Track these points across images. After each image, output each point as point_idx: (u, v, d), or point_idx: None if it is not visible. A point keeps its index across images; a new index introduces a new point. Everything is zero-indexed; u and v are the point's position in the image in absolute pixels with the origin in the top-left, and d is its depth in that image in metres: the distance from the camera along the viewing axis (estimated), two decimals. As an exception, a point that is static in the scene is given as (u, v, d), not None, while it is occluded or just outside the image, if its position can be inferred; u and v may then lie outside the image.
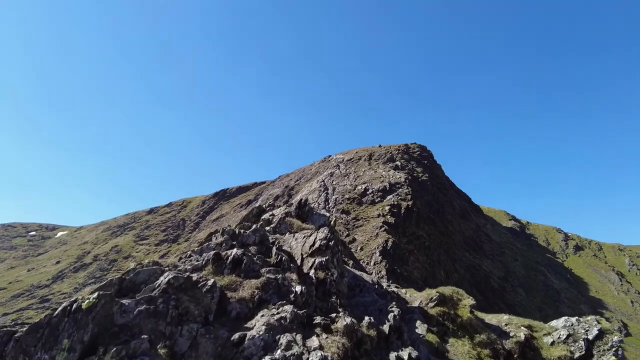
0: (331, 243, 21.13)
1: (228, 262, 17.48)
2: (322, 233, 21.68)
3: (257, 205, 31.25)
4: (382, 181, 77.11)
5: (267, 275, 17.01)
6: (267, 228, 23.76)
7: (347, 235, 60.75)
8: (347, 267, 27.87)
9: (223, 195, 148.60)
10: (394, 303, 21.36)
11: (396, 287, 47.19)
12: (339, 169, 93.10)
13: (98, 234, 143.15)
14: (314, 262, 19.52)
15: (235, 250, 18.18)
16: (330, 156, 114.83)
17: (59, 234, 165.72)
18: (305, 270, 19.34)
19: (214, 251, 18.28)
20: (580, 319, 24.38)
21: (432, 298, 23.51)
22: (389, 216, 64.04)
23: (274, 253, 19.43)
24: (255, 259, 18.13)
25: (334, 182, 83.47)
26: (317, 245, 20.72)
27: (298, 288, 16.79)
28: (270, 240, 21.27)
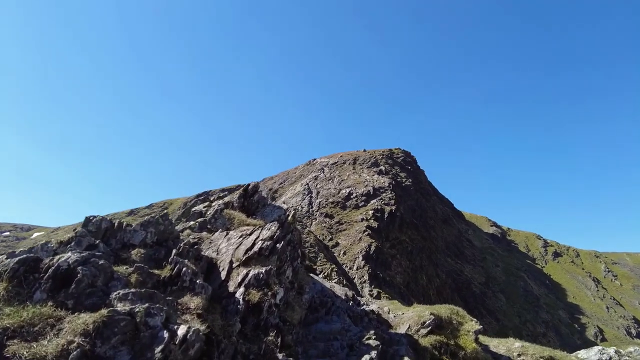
0: (279, 245, 15.25)
1: (46, 276, 9.49)
2: (268, 231, 15.57)
3: (200, 196, 26.17)
4: (366, 185, 77.16)
5: (119, 306, 9.08)
6: (191, 224, 18.05)
7: (331, 239, 60.40)
8: (313, 276, 21.23)
9: (206, 198, 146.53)
10: (371, 332, 15.44)
11: (379, 292, 47.00)
12: (323, 172, 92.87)
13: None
14: (247, 275, 13.14)
15: (67, 256, 10.13)
16: (314, 160, 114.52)
17: (35, 234, 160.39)
18: (230, 289, 12.83)
19: (31, 256, 9.99)
20: (621, 350, 19.37)
21: (424, 322, 17.65)
22: (372, 220, 64.00)
23: (171, 262, 12.53)
24: (108, 272, 10.48)
25: (318, 186, 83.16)
26: (256, 248, 14.55)
27: (182, 330, 8.95)
28: (182, 241, 14.71)
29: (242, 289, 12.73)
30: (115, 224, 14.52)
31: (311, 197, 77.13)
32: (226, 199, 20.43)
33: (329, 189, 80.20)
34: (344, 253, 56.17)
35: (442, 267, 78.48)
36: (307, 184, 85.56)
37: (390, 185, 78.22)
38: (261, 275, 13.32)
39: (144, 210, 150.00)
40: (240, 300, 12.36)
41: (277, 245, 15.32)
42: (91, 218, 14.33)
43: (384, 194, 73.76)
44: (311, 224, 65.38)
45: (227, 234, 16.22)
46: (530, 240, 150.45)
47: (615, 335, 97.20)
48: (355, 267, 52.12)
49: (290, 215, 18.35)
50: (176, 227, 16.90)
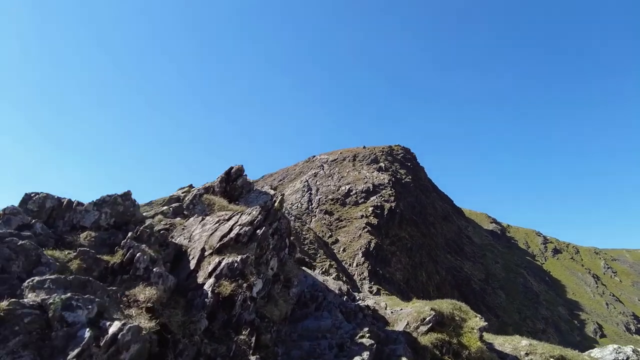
0: (260, 231, 13.31)
1: None
2: (248, 215, 13.65)
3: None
4: (366, 182, 77.03)
5: (30, 296, 7.25)
6: (164, 208, 16.11)
7: (330, 236, 60.34)
8: (306, 270, 19.41)
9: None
10: (365, 330, 13.83)
11: (378, 289, 46.95)
12: (323, 169, 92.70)
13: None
14: (219, 263, 11.28)
15: None
16: (314, 156, 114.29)
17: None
18: (200, 280, 11.05)
19: None
20: (639, 349, 17.78)
21: (424, 319, 16.13)
22: (372, 217, 63.91)
23: (124, 246, 10.77)
24: (32, 255, 8.68)
25: (318, 183, 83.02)
26: (232, 234, 12.68)
27: (114, 328, 7.10)
28: (148, 226, 12.31)
29: (212, 280, 10.73)
30: (64, 203, 12.29)
31: (311, 194, 77.01)
32: (207, 184, 18.45)
33: (328, 185, 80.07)
34: (344, 250, 56.12)
35: (441, 264, 78.47)
36: (307, 180, 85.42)
37: (390, 182, 78.12)
38: (235, 265, 11.20)
39: (143, 207, 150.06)
40: (209, 292, 10.32)
41: (258, 231, 13.27)
42: (32, 195, 11.89)
43: (383, 191, 73.66)
44: (311, 220, 65.31)
45: (203, 219, 14.21)
46: (530, 237, 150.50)
47: (615, 331, 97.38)
48: (355, 264, 52.07)
49: (277, 201, 16.29)
50: (146, 212, 15.30)
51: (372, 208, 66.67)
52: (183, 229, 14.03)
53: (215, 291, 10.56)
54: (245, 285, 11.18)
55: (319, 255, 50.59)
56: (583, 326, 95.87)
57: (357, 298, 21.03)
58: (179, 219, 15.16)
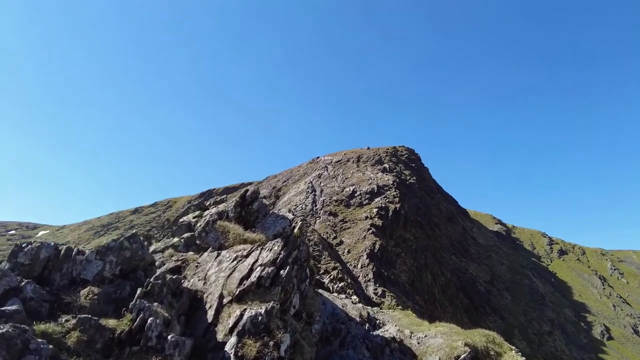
0: (284, 272, 11.92)
1: None
2: (269, 252, 12.30)
3: (204, 194, 21.06)
4: (370, 183, 76.80)
5: None
6: (175, 240, 14.82)
7: (335, 238, 60.16)
8: (322, 293, 18.52)
9: (209, 196, 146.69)
10: None
11: (383, 291, 46.65)
12: (327, 170, 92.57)
13: (81, 234, 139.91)
14: (241, 317, 9.97)
15: None
16: (318, 157, 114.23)
17: (40, 233, 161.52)
18: (219, 336, 9.85)
19: None
20: None
21: (458, 356, 14.83)
22: (376, 219, 63.66)
23: (132, 309, 9.19)
24: (16, 343, 6.99)
25: (322, 184, 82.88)
26: (253, 277, 11.37)
27: None
28: (155, 270, 11.51)
29: (233, 339, 9.36)
30: (62, 252, 10.32)
31: (315, 195, 76.89)
32: (220, 207, 16.61)
33: (332, 187, 79.92)
34: (348, 251, 55.92)
35: (446, 266, 78.07)
36: (311, 182, 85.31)
37: (395, 183, 77.84)
38: (260, 318, 9.83)
39: (148, 208, 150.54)
40: (232, 356, 8.97)
41: (281, 271, 11.81)
42: (24, 246, 10.01)
43: (388, 192, 73.40)
44: (315, 222, 65.16)
45: (219, 255, 12.68)
46: (536, 238, 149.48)
47: (622, 333, 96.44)
48: (359, 266, 51.85)
49: (297, 227, 15.16)
50: (156, 246, 13.81)
51: (376, 209, 66.42)
52: (197, 266, 12.53)
53: (239, 354, 9.13)
54: (271, 343, 9.67)
55: (323, 257, 50.43)
56: (590, 328, 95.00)
57: (378, 322, 20.07)
58: (191, 253, 13.84)
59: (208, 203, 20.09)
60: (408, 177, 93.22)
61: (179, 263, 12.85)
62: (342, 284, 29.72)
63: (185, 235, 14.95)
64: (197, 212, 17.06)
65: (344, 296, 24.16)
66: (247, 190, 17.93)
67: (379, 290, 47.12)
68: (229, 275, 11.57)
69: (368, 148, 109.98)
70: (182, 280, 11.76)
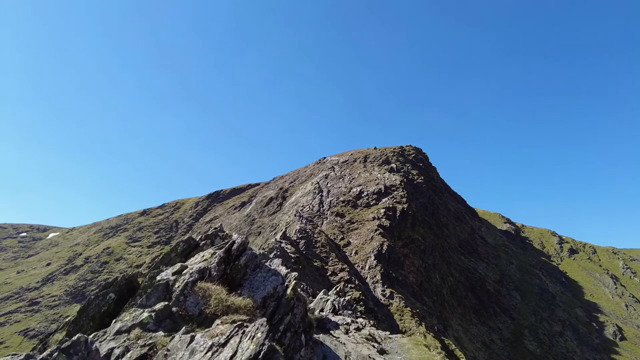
0: None
1: None
2: (250, 342, 9.89)
3: (184, 239, 17.11)
4: (377, 184, 76.39)
5: None
6: (144, 316, 11.73)
7: (342, 239, 59.89)
8: (322, 340, 17.24)
9: (216, 197, 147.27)
10: None
11: (391, 292, 46.23)
12: (333, 171, 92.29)
13: (90, 236, 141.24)
14: None
15: None
16: (325, 158, 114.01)
17: (50, 235, 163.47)
18: None
19: None
20: None
21: None
22: (384, 219, 63.27)
23: None
24: None
25: (329, 184, 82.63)
26: None
27: None
28: (121, 357, 10.37)
29: None
30: None
31: (322, 196, 76.66)
32: (201, 264, 13.89)
33: (339, 187, 79.64)
34: (356, 252, 55.61)
35: (455, 266, 77.42)
36: (318, 182, 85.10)
37: (402, 183, 77.34)
38: None
39: (156, 210, 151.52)
40: None
41: None
42: None
43: (395, 192, 72.94)
44: (322, 223, 64.94)
45: (192, 339, 10.36)
46: (545, 237, 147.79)
47: (636, 334, 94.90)
48: (367, 267, 51.53)
49: (291, 287, 13.67)
50: (122, 324, 11.42)
51: (383, 210, 66.02)
52: (166, 355, 10.24)
53: None
54: None
55: (330, 258, 50.22)
56: (602, 328, 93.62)
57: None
58: (161, 334, 11.14)
59: (199, 238, 17.40)
60: (415, 177, 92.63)
61: (145, 350, 10.45)
62: (348, 297, 28.56)
63: (158, 306, 12.04)
64: (178, 267, 14.11)
65: (349, 323, 21.31)
66: (232, 243, 14.92)
67: (387, 291, 46.79)
68: None
69: (375, 148, 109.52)
70: None
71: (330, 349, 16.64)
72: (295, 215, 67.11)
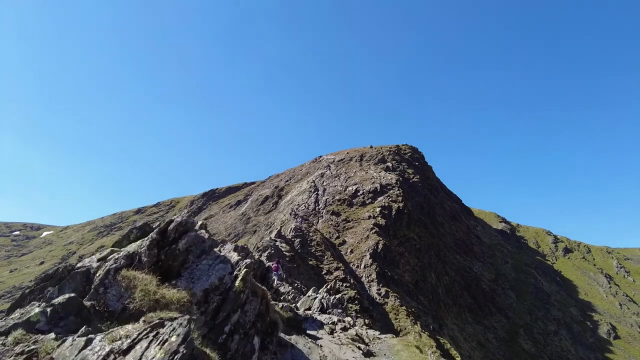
0: None
1: None
2: (160, 349, 6.91)
3: (138, 225, 13.90)
4: (373, 182, 76.21)
5: None
6: (33, 313, 8.57)
7: (337, 238, 59.65)
8: (293, 342, 14.82)
9: (212, 196, 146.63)
10: None
11: (387, 291, 46.05)
12: (329, 169, 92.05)
13: (84, 234, 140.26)
14: None
15: None
16: (321, 157, 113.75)
17: (44, 233, 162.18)
18: None
19: None
20: None
21: None
22: (379, 218, 63.09)
23: None
24: None
25: (325, 183, 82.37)
26: None
27: None
28: None
29: None
30: None
31: (317, 194, 76.38)
32: (131, 247, 11.14)
33: (335, 186, 79.40)
34: (351, 251, 55.40)
35: (450, 265, 77.42)
36: (314, 181, 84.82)
37: (398, 182, 77.20)
38: None
39: (151, 208, 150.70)
40: None
41: None
42: None
43: (391, 191, 72.78)
44: (317, 222, 64.68)
45: (87, 344, 7.54)
46: (540, 236, 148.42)
47: (629, 332, 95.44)
48: (362, 266, 51.33)
49: (240, 277, 11.04)
50: (4, 323, 8.28)
51: (379, 208, 65.85)
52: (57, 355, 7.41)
53: None
54: None
55: (326, 257, 49.97)
56: (596, 327, 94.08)
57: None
58: (51, 336, 8.13)
59: (156, 224, 13.67)
60: (411, 176, 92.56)
61: (21, 359, 7.47)
62: (340, 295, 27.64)
63: (59, 300, 9.01)
64: (107, 251, 11.50)
65: (335, 323, 19.32)
66: (170, 222, 11.78)
67: (382, 290, 46.61)
68: None
69: (371, 147, 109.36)
70: None
71: (301, 353, 13.87)
72: (290, 213, 66.80)
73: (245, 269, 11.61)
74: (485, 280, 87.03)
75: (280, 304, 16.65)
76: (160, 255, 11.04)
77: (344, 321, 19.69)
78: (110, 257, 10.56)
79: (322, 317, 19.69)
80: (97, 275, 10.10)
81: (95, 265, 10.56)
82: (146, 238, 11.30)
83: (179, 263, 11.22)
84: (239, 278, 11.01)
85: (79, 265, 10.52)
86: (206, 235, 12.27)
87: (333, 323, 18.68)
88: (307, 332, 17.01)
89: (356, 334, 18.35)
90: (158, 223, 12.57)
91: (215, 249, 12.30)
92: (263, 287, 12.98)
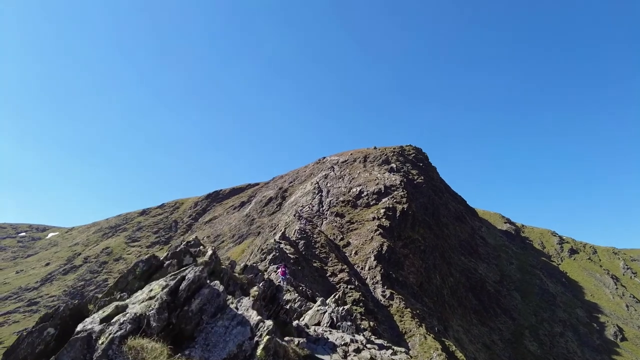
0: None
1: None
2: None
3: (144, 258, 13.10)
4: (377, 183, 76.04)
5: None
6: None
7: (342, 239, 59.55)
8: None
9: (216, 197, 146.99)
10: None
11: (392, 293, 45.89)
12: (333, 170, 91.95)
13: (89, 235, 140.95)
14: None
15: None
16: (324, 158, 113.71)
17: (50, 235, 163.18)
18: None
19: None
20: None
21: None
22: (384, 219, 62.92)
23: None
24: None
25: (329, 184, 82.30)
26: None
27: None
28: None
29: None
30: None
31: (321, 196, 76.32)
32: (138, 308, 9.54)
33: (339, 187, 79.29)
34: (356, 253, 55.28)
35: (455, 266, 77.09)
36: (317, 182, 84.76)
37: (402, 183, 76.98)
38: None
39: (155, 210, 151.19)
40: None
41: None
42: None
43: (395, 192, 72.58)
44: (321, 223, 64.61)
45: None
46: (545, 237, 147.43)
47: (636, 334, 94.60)
48: (367, 268, 51.19)
49: (263, 344, 9.82)
50: None
51: (383, 210, 65.67)
52: None
53: None
54: None
55: (330, 259, 49.88)
56: (603, 329, 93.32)
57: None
58: None
59: (164, 256, 13.52)
60: (415, 177, 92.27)
61: None
62: (347, 306, 26.57)
63: None
64: (112, 309, 9.74)
65: (348, 344, 18.30)
66: (181, 280, 10.40)
67: (387, 292, 46.45)
68: None
69: (375, 148, 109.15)
70: None
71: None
72: (294, 215, 66.77)
73: (267, 336, 10.15)
74: (490, 282, 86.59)
75: (297, 340, 14.55)
76: (171, 319, 9.66)
77: (356, 341, 18.40)
78: (115, 319, 9.10)
79: (334, 337, 18.42)
80: (100, 342, 8.54)
81: (97, 328, 8.92)
82: (155, 299, 9.85)
83: (193, 326, 9.92)
84: (261, 347, 9.62)
85: (79, 329, 8.96)
86: (220, 288, 10.97)
87: (345, 344, 17.45)
88: None
89: (370, 358, 17.17)
90: (167, 269, 11.25)
91: (231, 305, 10.99)
92: (284, 342, 11.58)
